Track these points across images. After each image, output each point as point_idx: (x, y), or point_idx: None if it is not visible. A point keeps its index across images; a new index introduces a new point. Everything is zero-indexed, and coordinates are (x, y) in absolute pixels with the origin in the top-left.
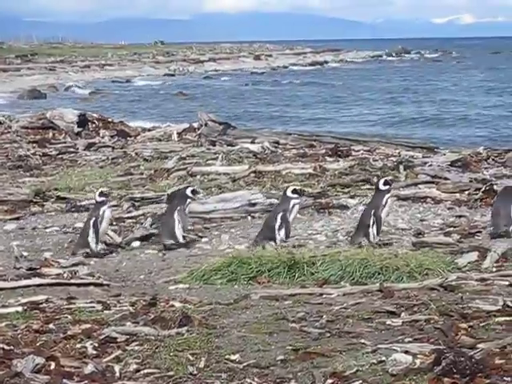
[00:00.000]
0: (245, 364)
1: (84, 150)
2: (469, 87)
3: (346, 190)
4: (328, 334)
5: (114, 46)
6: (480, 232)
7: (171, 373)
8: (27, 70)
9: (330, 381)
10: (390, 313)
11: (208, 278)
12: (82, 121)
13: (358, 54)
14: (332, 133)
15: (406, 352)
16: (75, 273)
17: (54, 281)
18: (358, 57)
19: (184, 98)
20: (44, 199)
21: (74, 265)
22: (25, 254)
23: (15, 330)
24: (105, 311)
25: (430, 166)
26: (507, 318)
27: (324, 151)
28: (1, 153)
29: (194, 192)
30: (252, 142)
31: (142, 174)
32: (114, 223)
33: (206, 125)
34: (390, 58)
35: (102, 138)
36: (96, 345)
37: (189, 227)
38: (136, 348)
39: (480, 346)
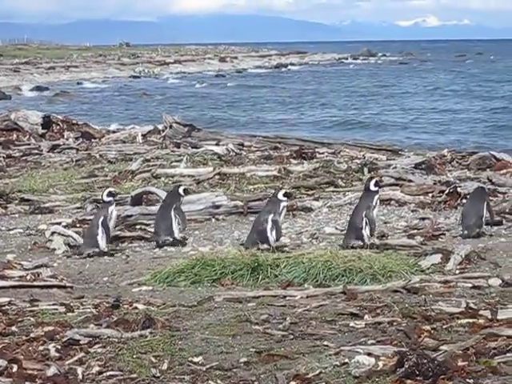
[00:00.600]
0: (208, 366)
1: (48, 151)
2: (426, 90)
3: (311, 192)
4: (291, 336)
5: (80, 48)
6: (444, 234)
7: (134, 375)
8: None
9: (293, 383)
10: (353, 315)
11: (171, 280)
12: (47, 122)
13: (324, 57)
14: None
15: (369, 354)
16: (38, 275)
17: (16, 283)
18: (323, 59)
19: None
20: (7, 201)
21: (37, 267)
22: None
23: None
24: (68, 313)
25: (395, 168)
26: (470, 320)
27: (288, 153)
28: None
29: (185, 191)
30: (217, 144)
31: (106, 175)
32: (78, 225)
33: (170, 127)
34: (355, 61)
35: (67, 139)
36: (59, 347)
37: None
38: (99, 350)
39: (443, 347)
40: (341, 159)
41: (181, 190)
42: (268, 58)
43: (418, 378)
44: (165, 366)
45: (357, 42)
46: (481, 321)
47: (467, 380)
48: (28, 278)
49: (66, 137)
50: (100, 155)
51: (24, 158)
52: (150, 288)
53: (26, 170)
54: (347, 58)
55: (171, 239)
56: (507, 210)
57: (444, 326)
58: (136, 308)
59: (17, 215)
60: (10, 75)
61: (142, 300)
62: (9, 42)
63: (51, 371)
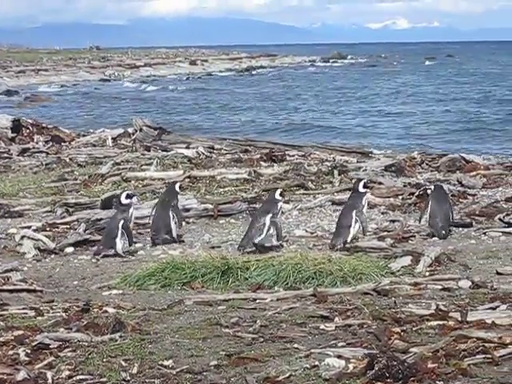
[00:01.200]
0: (178, 370)
1: (18, 155)
2: (393, 93)
3: None
4: (261, 339)
5: (50, 51)
6: (414, 236)
7: (104, 379)
8: None
9: None
10: (323, 317)
11: (142, 283)
12: (16, 126)
13: (294, 59)
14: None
15: (339, 356)
16: (8, 279)
17: None
18: (293, 62)
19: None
20: None
21: (6, 271)
22: None
23: None
24: (38, 317)
25: (365, 170)
26: (440, 322)
27: (259, 156)
28: None
29: (181, 188)
30: (187, 147)
31: (76, 179)
32: (48, 229)
33: (140, 130)
34: (325, 64)
35: (37, 143)
36: (28, 351)
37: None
38: (69, 354)
39: (413, 350)
40: (311, 162)
41: (177, 187)
42: (238, 61)
43: (388, 380)
44: (135, 370)
45: (327, 44)
46: (451, 323)
47: (437, 382)
48: None
49: (35, 140)
50: (70, 159)
51: None
52: (120, 291)
53: None
54: (316, 61)
55: (169, 238)
56: (477, 212)
57: (414, 328)
58: (106, 312)
59: None
60: None
61: (112, 304)
62: None
63: (21, 375)
